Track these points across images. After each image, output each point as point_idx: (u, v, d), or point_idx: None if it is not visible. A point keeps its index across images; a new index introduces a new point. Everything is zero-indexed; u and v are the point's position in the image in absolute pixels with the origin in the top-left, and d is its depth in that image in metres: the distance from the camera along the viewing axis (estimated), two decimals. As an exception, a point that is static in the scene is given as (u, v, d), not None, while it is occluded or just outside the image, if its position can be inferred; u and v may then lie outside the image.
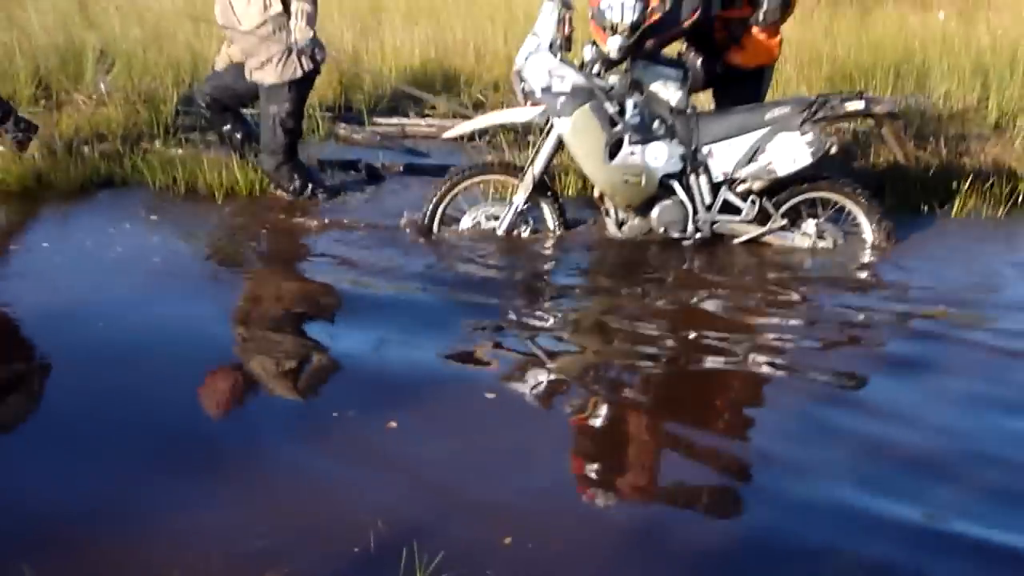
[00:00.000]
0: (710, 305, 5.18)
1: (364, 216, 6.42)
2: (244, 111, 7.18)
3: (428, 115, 8.66)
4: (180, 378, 4.20)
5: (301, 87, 6.51)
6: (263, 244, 6.19)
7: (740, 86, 6.02)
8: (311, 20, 6.25)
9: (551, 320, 5.04)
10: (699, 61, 6.00)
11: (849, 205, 5.81)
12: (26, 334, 4.82)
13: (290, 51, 6.28)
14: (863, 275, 5.70)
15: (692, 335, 4.79)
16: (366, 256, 5.72)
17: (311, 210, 6.59)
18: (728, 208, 5.73)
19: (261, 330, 4.93)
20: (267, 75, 6.39)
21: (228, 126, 7.04)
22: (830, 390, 4.35)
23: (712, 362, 4.60)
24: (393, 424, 3.77)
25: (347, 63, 9.00)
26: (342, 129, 8.25)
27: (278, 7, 6.32)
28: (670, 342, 4.74)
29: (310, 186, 6.77)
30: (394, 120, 8.36)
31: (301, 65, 6.32)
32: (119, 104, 8.34)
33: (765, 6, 5.76)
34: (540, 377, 4.37)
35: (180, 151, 7.34)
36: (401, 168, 7.57)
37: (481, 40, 10.03)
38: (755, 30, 5.86)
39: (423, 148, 7.92)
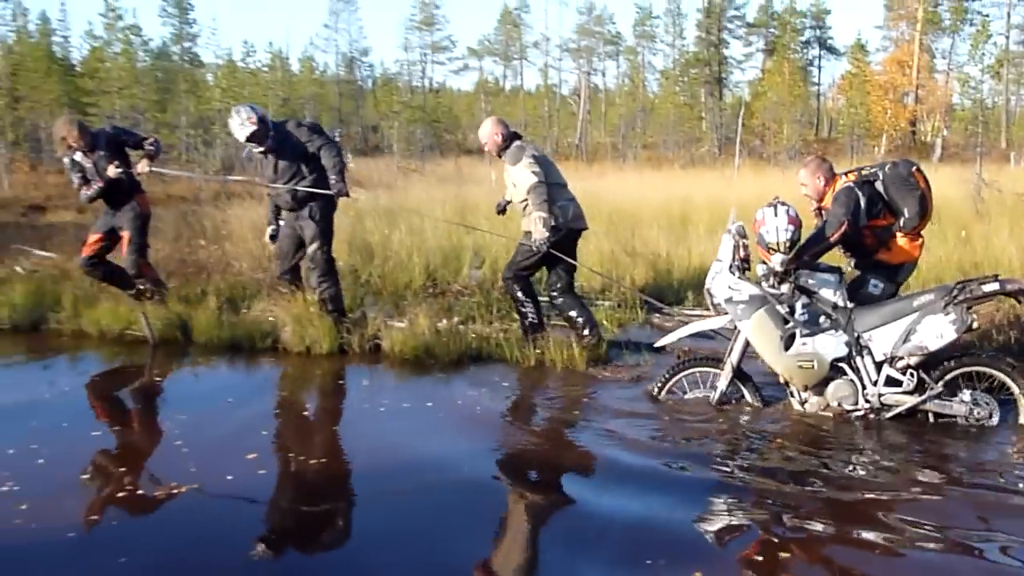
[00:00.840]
0: (884, 477, 5.01)
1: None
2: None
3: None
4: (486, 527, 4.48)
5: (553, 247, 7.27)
6: (568, 410, 6.45)
7: (890, 273, 6.17)
8: (545, 224, 7.09)
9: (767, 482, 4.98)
10: (852, 262, 6.32)
11: (1006, 380, 5.65)
12: (395, 478, 5.13)
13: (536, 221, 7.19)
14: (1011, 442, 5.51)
15: (871, 511, 4.58)
16: (629, 427, 5.89)
17: (608, 384, 6.87)
18: (891, 382, 5.79)
19: (556, 488, 5.18)
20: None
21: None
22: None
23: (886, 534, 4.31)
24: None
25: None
26: (656, 318, 8.51)
27: (520, 194, 7.35)
28: (852, 517, 4.57)
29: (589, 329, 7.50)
30: (696, 311, 8.45)
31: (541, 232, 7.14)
32: (486, 292, 8.83)
33: (905, 215, 6.02)
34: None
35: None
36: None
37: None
38: (899, 235, 6.09)
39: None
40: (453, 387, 6.92)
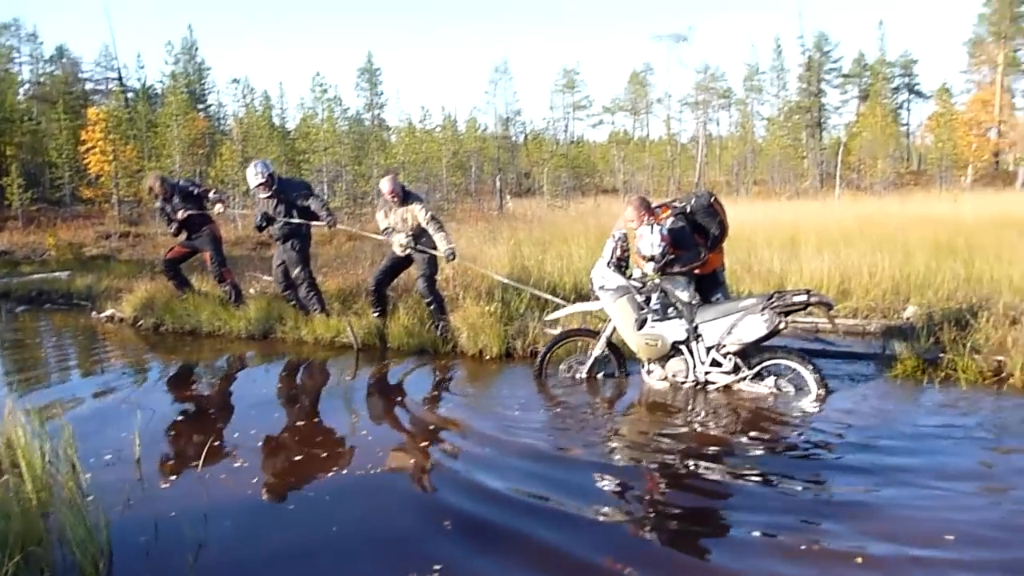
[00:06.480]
0: (707, 427, 5.55)
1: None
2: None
3: (833, 316, 8.32)
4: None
5: None
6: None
7: (702, 282, 6.61)
8: (450, 240, 8.49)
9: (602, 431, 5.58)
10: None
11: (800, 368, 6.10)
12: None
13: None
14: (805, 415, 5.75)
15: (693, 448, 5.07)
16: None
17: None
18: (715, 364, 6.28)
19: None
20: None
21: None
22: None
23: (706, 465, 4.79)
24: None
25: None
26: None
27: (414, 226, 8.48)
28: (678, 453, 4.99)
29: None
30: (809, 320, 8.09)
31: None
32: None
33: (711, 235, 6.57)
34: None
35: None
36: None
37: (872, 263, 9.51)
38: (707, 253, 6.59)
39: (830, 339, 7.60)
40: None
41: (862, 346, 7.57)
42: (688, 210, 6.57)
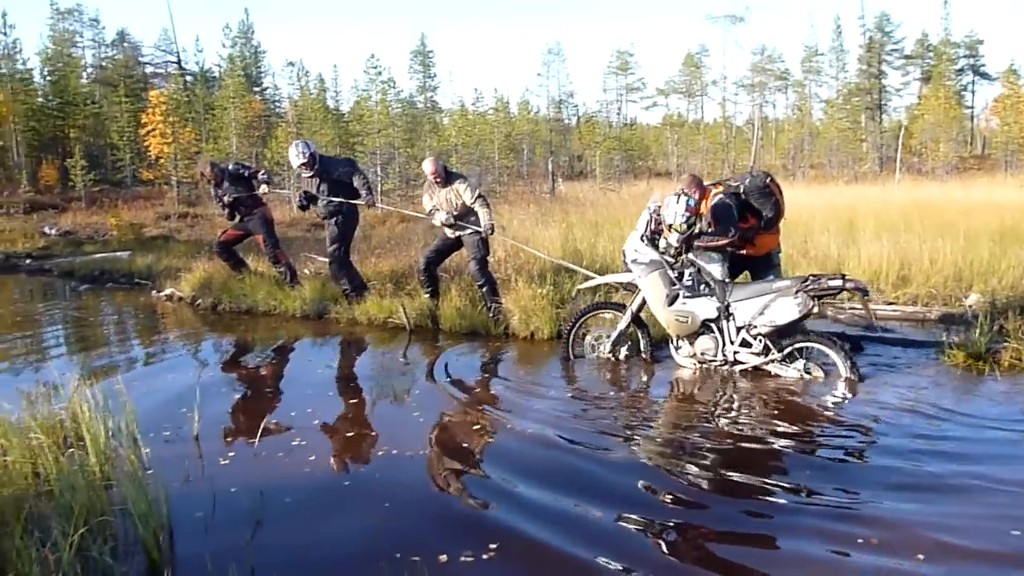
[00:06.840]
0: (755, 423, 5.28)
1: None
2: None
3: (892, 303, 8.16)
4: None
5: None
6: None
7: (755, 264, 6.78)
8: (493, 217, 8.56)
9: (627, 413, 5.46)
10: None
11: (830, 353, 5.97)
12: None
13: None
14: (855, 408, 5.48)
15: (734, 448, 4.78)
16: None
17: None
18: (745, 344, 6.21)
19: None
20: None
21: None
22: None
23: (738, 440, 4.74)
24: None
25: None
26: (830, 311, 8.00)
27: (461, 205, 8.48)
28: (716, 453, 4.70)
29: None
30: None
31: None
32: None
33: (764, 217, 6.49)
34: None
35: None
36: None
37: (933, 249, 9.26)
38: (761, 234, 6.60)
39: (886, 325, 7.43)
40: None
41: (921, 334, 7.40)
42: (741, 191, 6.48)
